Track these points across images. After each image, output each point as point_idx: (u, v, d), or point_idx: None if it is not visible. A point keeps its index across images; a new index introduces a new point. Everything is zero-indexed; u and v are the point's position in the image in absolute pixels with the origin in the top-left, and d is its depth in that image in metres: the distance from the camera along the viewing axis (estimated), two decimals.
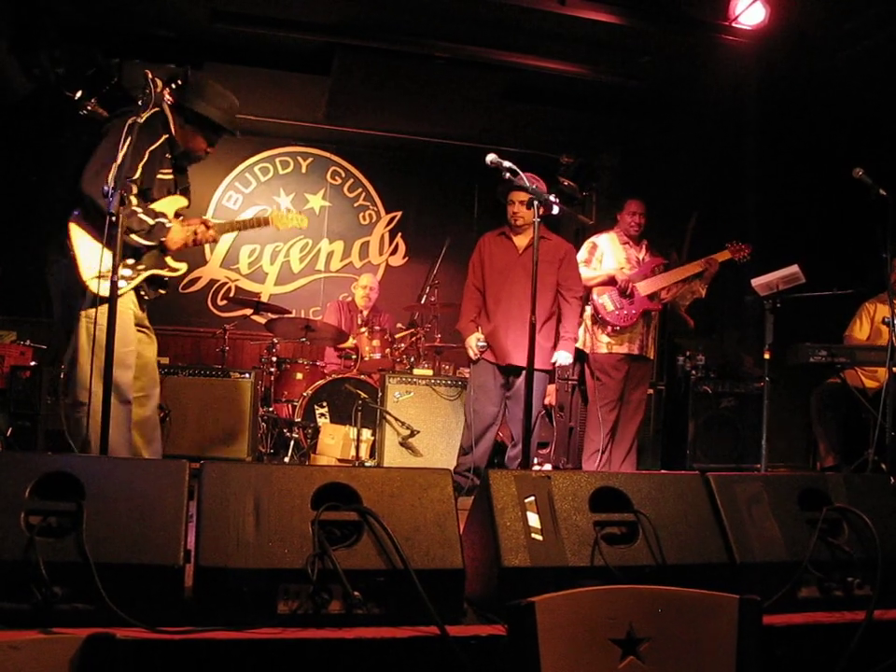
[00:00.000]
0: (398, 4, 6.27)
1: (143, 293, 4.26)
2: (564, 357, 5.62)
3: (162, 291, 4.40)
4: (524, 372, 5.50)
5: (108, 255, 3.91)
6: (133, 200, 3.94)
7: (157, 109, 4.11)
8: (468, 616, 2.53)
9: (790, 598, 2.70)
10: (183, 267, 4.43)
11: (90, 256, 3.98)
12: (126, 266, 4.11)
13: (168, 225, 4.15)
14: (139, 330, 4.27)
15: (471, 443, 5.67)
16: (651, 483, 2.84)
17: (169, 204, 4.30)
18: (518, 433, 5.71)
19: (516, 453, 5.65)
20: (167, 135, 4.22)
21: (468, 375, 6.11)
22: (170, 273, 4.36)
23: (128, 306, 4.13)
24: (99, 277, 3.92)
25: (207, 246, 8.83)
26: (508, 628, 2.18)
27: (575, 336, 5.76)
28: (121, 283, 4.05)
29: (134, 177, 3.94)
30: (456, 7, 6.25)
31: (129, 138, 3.65)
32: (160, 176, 4.22)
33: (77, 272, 3.97)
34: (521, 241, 5.70)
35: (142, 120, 3.71)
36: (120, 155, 3.70)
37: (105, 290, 3.84)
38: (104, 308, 3.73)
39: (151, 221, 4.06)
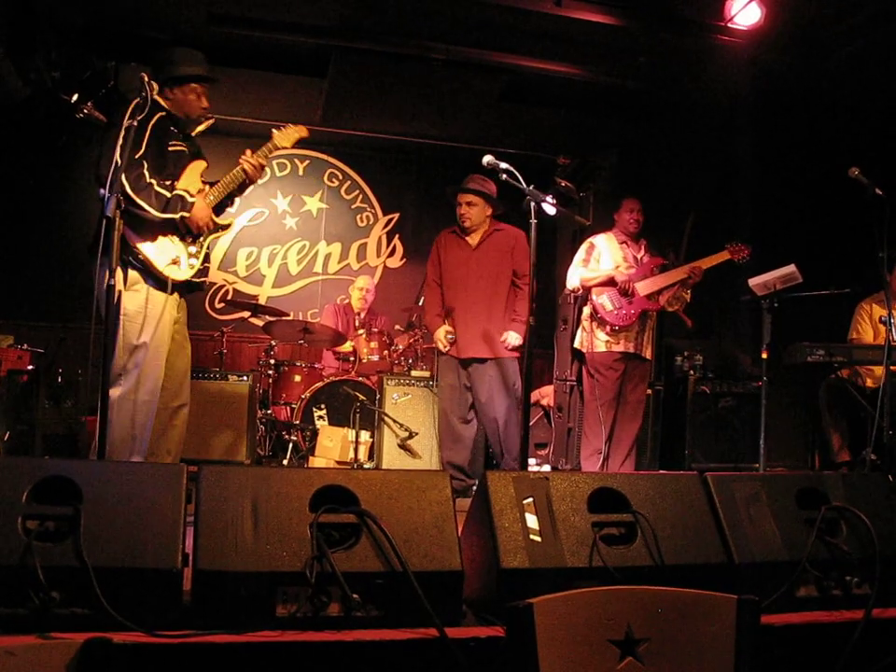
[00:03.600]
0: (393, 6, 6.28)
1: (195, 279, 4.36)
2: (514, 338, 5.70)
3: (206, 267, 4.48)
4: (484, 365, 5.71)
5: (172, 244, 4.23)
6: (146, 174, 4.05)
7: (144, 94, 4.16)
8: (466, 618, 2.53)
9: (788, 598, 2.70)
10: (231, 220, 4.60)
11: (155, 249, 4.15)
12: (188, 245, 4.28)
13: (190, 199, 4.22)
14: (173, 337, 4.34)
15: (449, 441, 5.83)
16: (649, 484, 2.84)
17: (191, 173, 4.38)
18: (492, 431, 5.74)
19: (492, 440, 5.83)
20: (163, 112, 4.28)
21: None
22: (223, 233, 4.55)
23: (168, 310, 4.24)
24: (173, 263, 4.16)
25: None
26: (507, 630, 2.18)
27: (525, 318, 5.65)
28: (192, 261, 4.29)
29: (141, 152, 4.05)
30: (452, 8, 6.26)
31: (127, 141, 3.68)
32: (172, 149, 4.29)
33: (150, 266, 4.11)
34: (473, 238, 5.87)
35: (135, 124, 3.75)
36: (116, 156, 3.76)
37: (181, 275, 4.20)
38: (151, 303, 4.11)
39: (168, 194, 4.13)
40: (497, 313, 5.77)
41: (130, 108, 3.75)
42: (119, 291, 3.94)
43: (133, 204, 3.98)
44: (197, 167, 4.44)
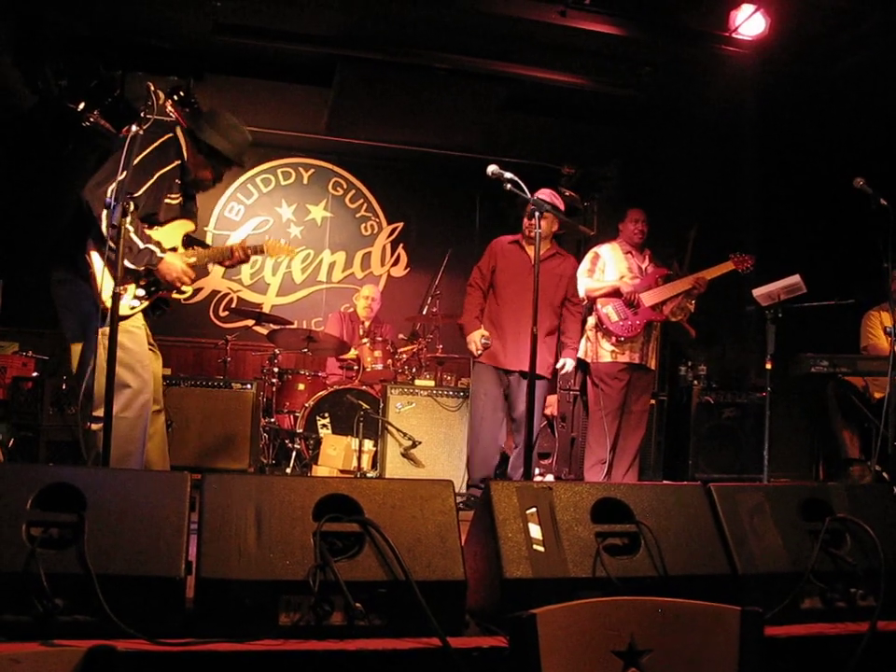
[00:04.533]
0: (399, 16, 6.30)
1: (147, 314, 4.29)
2: (570, 364, 5.90)
3: (166, 308, 4.42)
4: (526, 380, 5.61)
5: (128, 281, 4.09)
6: (128, 219, 3.85)
7: (171, 135, 4.20)
8: (469, 628, 2.53)
9: (792, 609, 2.69)
10: (190, 290, 4.47)
11: (107, 276, 3.97)
12: (140, 287, 4.16)
13: (159, 255, 4.11)
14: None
15: (482, 452, 5.84)
16: (652, 494, 2.83)
17: (175, 229, 4.32)
18: (516, 439, 5.77)
19: (517, 457, 5.80)
20: (179, 161, 4.23)
21: (468, 384, 6.14)
22: (178, 295, 4.45)
23: (142, 322, 4.19)
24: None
25: None
26: (509, 640, 2.17)
27: (577, 345, 5.94)
28: (134, 302, 4.15)
29: (136, 195, 3.94)
30: (457, 18, 6.27)
31: (132, 150, 3.67)
32: (167, 201, 4.22)
33: (95, 291, 3.97)
34: (534, 252, 5.78)
35: (142, 133, 3.72)
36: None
37: (122, 309, 3.96)
38: (129, 321, 4.00)
39: (141, 245, 4.02)
40: (548, 332, 5.83)
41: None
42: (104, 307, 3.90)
43: (103, 243, 3.83)
44: (183, 226, 4.38)
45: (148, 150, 4.00)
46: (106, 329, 3.83)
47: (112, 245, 3.64)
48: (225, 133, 4.32)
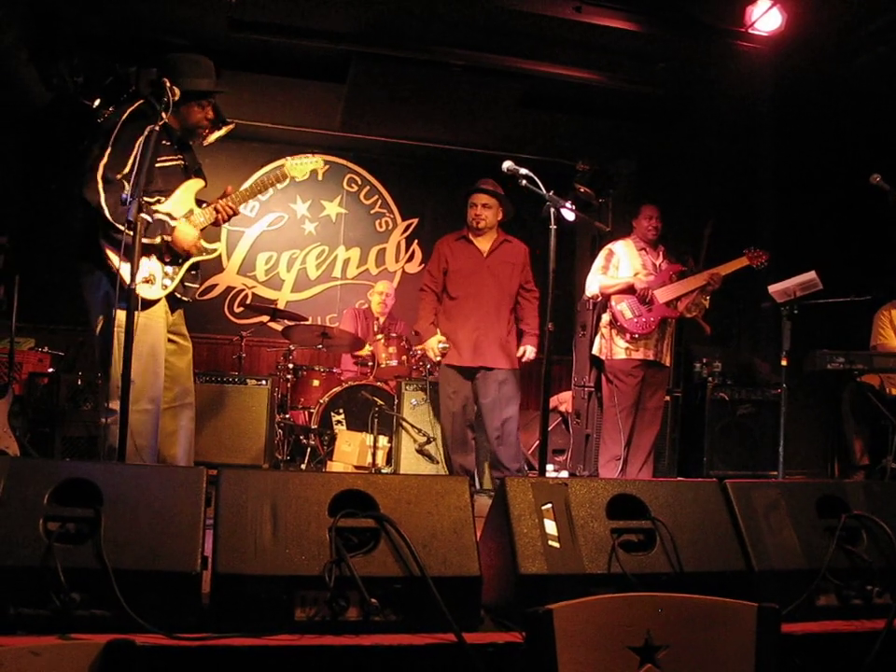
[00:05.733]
0: (413, 12, 6.29)
1: (178, 294, 4.26)
2: (531, 352, 5.87)
3: (195, 285, 4.38)
4: (492, 373, 5.73)
5: (150, 261, 4.11)
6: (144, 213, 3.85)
7: (141, 101, 4.13)
8: (485, 623, 2.53)
9: (808, 607, 2.69)
10: (219, 247, 4.47)
11: (129, 266, 3.94)
12: (167, 264, 4.17)
13: (172, 224, 4.10)
14: (170, 339, 4.28)
15: (455, 447, 5.86)
16: (668, 491, 2.83)
17: (185, 192, 4.27)
18: (493, 442, 5.78)
19: (494, 442, 5.80)
20: (159, 122, 4.01)
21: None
22: (207, 256, 4.37)
23: (160, 315, 4.16)
24: (145, 282, 4.03)
25: (224, 254, 8.87)
26: (525, 636, 2.17)
27: (537, 331, 5.92)
28: (167, 281, 4.16)
29: (125, 172, 3.90)
30: (472, 15, 6.27)
31: (147, 146, 3.69)
32: (160, 164, 4.12)
33: (122, 282, 3.88)
34: (483, 244, 5.86)
35: (158, 129, 3.75)
36: (129, 162, 3.86)
37: (151, 294, 4.05)
38: (144, 313, 3.94)
39: (149, 219, 3.88)
40: (508, 323, 5.85)
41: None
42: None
43: (113, 228, 3.89)
44: (192, 186, 4.32)
45: (119, 126, 3.94)
46: (123, 323, 3.82)
47: (116, 227, 3.79)
48: (187, 73, 4.23)
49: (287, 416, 6.99)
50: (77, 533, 2.32)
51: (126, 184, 3.89)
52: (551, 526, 2.62)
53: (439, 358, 5.76)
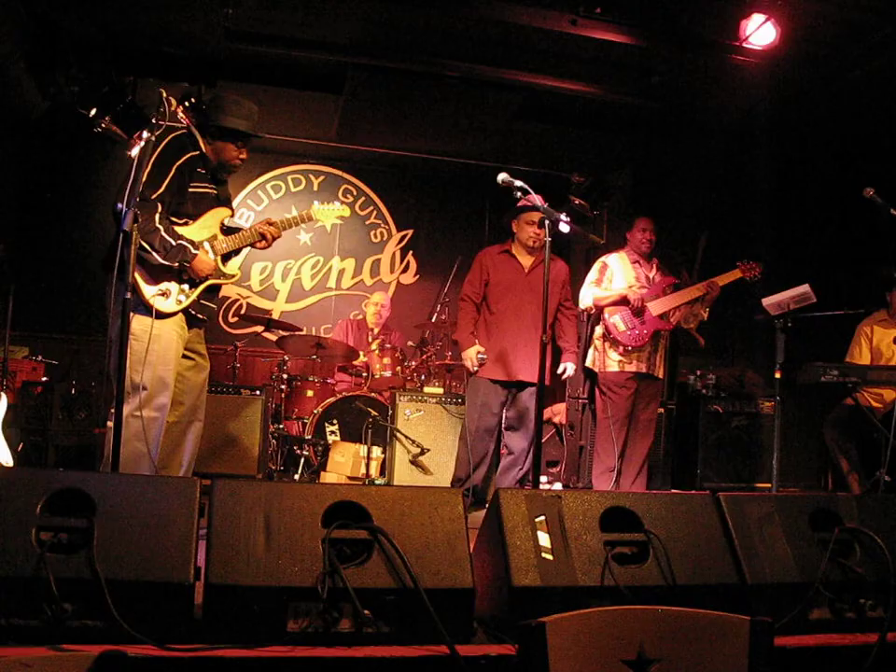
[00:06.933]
0: (410, 24, 6.32)
1: (193, 311, 4.36)
2: (571, 368, 5.88)
3: (212, 305, 4.52)
4: (527, 388, 5.68)
5: (169, 279, 4.26)
6: (157, 218, 4.08)
7: (184, 130, 4.34)
8: (478, 635, 2.53)
9: (801, 620, 2.69)
10: (237, 272, 4.62)
11: (147, 276, 4.16)
12: (184, 282, 4.29)
13: (194, 252, 4.23)
14: (185, 356, 4.38)
15: (475, 462, 5.77)
16: (661, 503, 2.83)
17: (211, 218, 4.42)
18: (515, 447, 5.75)
19: (509, 463, 5.80)
20: (197, 152, 4.33)
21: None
22: (225, 281, 4.52)
23: (173, 328, 4.25)
24: (161, 294, 4.17)
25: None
26: (518, 648, 2.17)
27: (575, 348, 5.96)
28: (181, 297, 4.28)
29: (159, 192, 4.09)
30: (468, 26, 6.29)
31: (146, 157, 3.78)
32: (193, 190, 4.30)
33: (139, 291, 4.10)
34: (526, 261, 5.83)
35: (154, 139, 3.83)
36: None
37: (165, 307, 4.18)
38: (157, 323, 4.10)
39: (173, 242, 4.14)
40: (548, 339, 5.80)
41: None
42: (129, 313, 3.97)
43: (138, 246, 3.96)
44: (219, 213, 4.48)
45: (162, 146, 4.12)
46: (136, 331, 4.06)
47: (141, 245, 3.88)
48: (230, 112, 4.40)
49: (281, 427, 6.98)
50: (70, 543, 2.31)
51: (160, 205, 4.10)
52: (544, 539, 2.62)
53: (476, 368, 5.72)
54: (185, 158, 4.22)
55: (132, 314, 3.95)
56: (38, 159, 8.24)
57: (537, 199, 4.58)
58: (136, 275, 4.06)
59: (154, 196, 4.08)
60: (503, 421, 5.87)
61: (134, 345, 4.02)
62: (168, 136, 4.18)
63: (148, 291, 4.15)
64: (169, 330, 4.21)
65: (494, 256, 5.92)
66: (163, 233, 4.10)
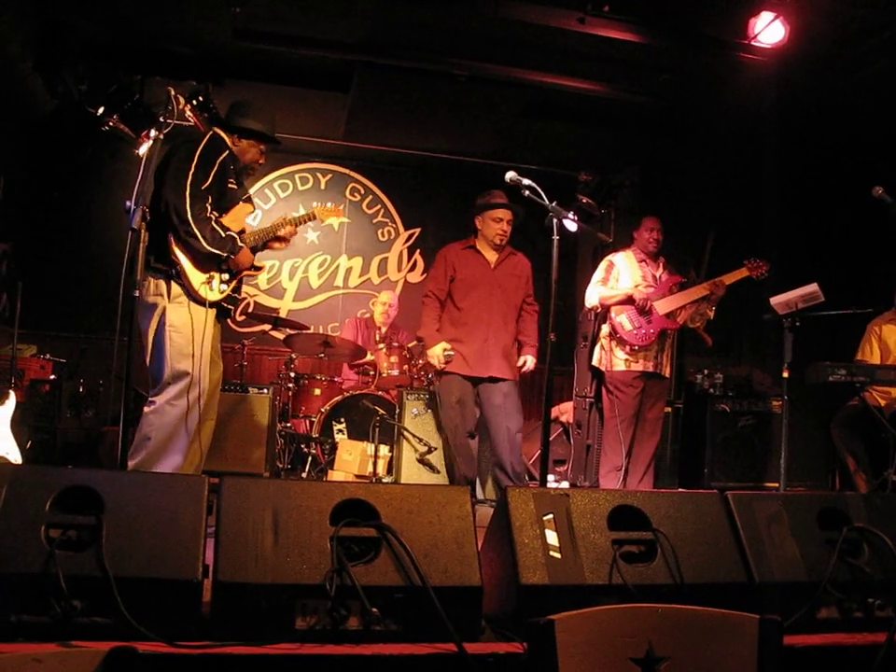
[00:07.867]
0: (417, 22, 6.31)
1: (225, 304, 4.55)
2: (531, 361, 5.86)
3: (239, 297, 4.83)
4: (498, 383, 5.72)
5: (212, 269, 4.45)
6: (209, 208, 4.28)
7: (213, 131, 4.55)
8: (486, 634, 2.53)
9: (809, 619, 2.68)
10: (264, 264, 4.92)
11: (192, 264, 4.32)
12: (224, 271, 4.47)
13: (240, 244, 4.44)
14: None
15: (458, 459, 5.84)
16: (669, 502, 2.83)
17: (239, 213, 4.62)
18: (501, 446, 5.74)
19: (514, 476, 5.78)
20: (228, 152, 4.51)
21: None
22: (256, 273, 4.83)
23: (210, 318, 4.41)
24: (206, 283, 4.36)
25: None
26: (527, 646, 2.17)
27: (537, 343, 5.93)
28: (223, 286, 4.47)
29: (208, 184, 4.28)
30: (475, 25, 6.29)
31: (153, 155, 3.88)
32: (230, 186, 4.52)
33: (185, 279, 4.29)
34: (492, 256, 5.88)
35: (163, 137, 4.00)
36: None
37: (211, 295, 4.37)
38: (198, 312, 4.31)
39: (223, 233, 4.32)
40: (513, 334, 5.86)
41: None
42: (164, 305, 4.23)
43: (188, 233, 4.20)
44: (244, 209, 4.67)
45: (205, 142, 4.36)
46: (174, 321, 4.25)
47: (190, 232, 4.21)
48: (256, 116, 4.67)
49: (289, 425, 6.97)
50: (79, 540, 2.32)
51: (210, 196, 4.31)
52: (552, 537, 2.61)
53: (443, 366, 5.73)
54: (224, 154, 4.43)
55: (167, 304, 4.24)
56: (46, 157, 8.25)
57: (545, 197, 4.57)
58: (185, 262, 4.28)
59: (204, 187, 4.26)
60: (480, 419, 5.90)
61: (175, 337, 4.23)
62: (206, 136, 4.43)
63: (197, 279, 4.33)
64: (206, 323, 4.35)
65: (458, 252, 5.93)
66: (214, 224, 4.28)
